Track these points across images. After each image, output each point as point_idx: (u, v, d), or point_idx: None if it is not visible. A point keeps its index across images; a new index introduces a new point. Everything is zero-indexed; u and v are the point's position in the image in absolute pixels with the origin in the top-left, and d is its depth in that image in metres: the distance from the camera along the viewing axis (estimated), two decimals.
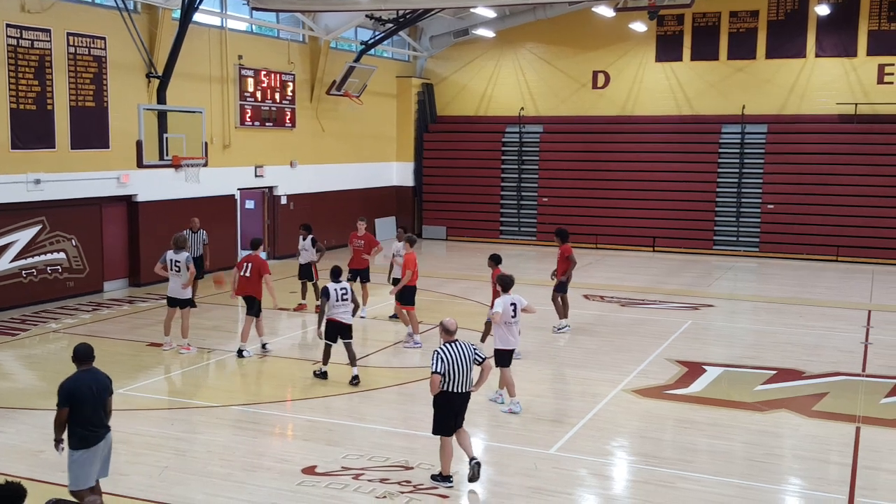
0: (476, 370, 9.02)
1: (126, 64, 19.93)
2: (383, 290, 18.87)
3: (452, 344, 8.91)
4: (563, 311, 16.42)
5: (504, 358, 11.73)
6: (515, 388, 11.66)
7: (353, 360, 12.97)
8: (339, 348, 12.93)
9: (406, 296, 15.22)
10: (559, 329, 16.29)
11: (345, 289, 12.94)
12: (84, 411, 7.61)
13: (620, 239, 28.84)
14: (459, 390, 8.85)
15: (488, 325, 14.05)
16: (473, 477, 8.93)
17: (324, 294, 12.85)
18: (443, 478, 9.03)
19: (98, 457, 7.79)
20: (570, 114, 30.68)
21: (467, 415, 9.18)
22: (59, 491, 8.29)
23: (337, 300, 12.85)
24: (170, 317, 14.75)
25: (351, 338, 13.07)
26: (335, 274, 13.10)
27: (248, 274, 14.38)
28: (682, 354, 14.77)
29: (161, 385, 13.14)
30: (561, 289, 16.35)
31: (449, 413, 8.93)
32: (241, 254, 24.33)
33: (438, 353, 8.80)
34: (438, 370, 8.73)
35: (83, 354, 7.84)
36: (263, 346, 14.72)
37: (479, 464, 9.01)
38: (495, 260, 14.26)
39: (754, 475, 9.54)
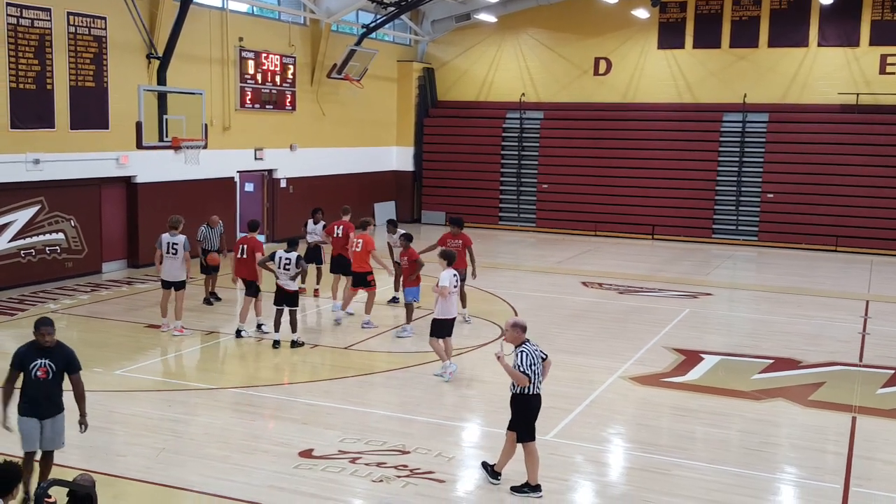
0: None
1: (126, 44, 19.84)
2: (379, 275, 18.85)
3: (527, 343, 8.67)
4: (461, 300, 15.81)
5: (446, 327, 12.41)
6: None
7: (293, 327, 13.87)
8: (342, 340, 12.93)
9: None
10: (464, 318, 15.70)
11: (289, 259, 13.68)
12: None
13: (620, 226, 28.82)
14: (537, 392, 8.63)
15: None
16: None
17: (269, 257, 13.88)
18: (531, 488, 8.60)
19: None
20: (571, 100, 30.58)
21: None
22: (56, 472, 8.31)
23: (279, 267, 13.70)
24: (165, 298, 14.74)
25: (296, 306, 13.86)
26: (290, 244, 13.89)
27: (244, 256, 14.68)
28: (680, 342, 14.78)
29: (159, 366, 13.15)
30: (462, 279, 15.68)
31: (534, 416, 8.68)
32: (240, 236, 24.32)
33: (527, 354, 8.54)
34: (528, 372, 8.46)
35: None
36: (259, 326, 14.76)
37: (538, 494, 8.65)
38: (408, 239, 14.93)
39: (750, 463, 9.57)
